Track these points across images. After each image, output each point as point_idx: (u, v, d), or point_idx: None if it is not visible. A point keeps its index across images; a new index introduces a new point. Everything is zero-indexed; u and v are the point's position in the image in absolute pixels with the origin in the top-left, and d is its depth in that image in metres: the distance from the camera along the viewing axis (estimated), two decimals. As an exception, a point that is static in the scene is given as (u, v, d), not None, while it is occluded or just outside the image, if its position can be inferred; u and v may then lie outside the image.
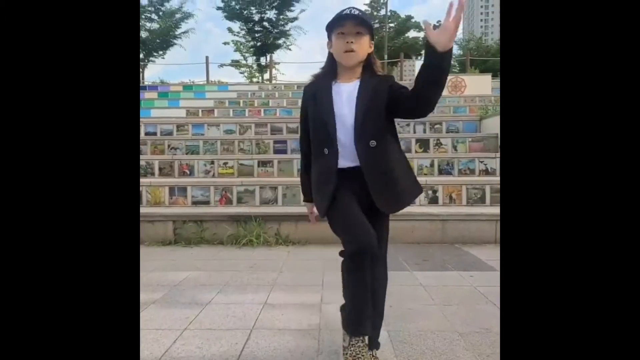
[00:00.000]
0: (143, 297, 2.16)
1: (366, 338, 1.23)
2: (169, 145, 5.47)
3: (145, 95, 9.24)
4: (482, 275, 2.51)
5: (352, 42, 1.25)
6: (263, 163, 4.74)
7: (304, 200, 1.55)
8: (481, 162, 4.51)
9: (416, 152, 5.14)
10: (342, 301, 1.29)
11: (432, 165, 4.54)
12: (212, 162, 4.78)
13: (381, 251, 1.33)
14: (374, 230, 1.22)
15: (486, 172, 4.49)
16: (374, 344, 1.39)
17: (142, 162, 4.81)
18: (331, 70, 1.36)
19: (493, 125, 5.30)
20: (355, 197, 1.28)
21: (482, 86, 8.22)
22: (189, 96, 9.29)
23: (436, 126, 5.76)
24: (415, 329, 1.71)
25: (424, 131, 5.73)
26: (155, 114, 7.97)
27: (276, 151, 5.32)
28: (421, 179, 4.06)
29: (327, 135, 1.29)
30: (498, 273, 2.44)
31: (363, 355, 1.18)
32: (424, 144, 5.15)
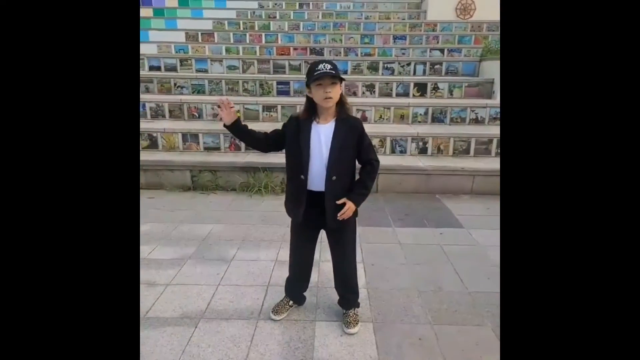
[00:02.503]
0: (180, 250, 2.78)
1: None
2: (175, 84, 5.67)
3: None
4: (450, 232, 3.09)
5: (329, 91, 1.63)
6: (267, 108, 5.02)
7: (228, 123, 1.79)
8: (472, 111, 4.78)
9: (414, 96, 5.36)
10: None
11: (426, 113, 4.82)
12: (219, 106, 5.05)
13: (348, 250, 1.90)
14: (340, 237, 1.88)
15: (476, 121, 4.80)
16: (354, 304, 2.01)
17: (152, 104, 5.11)
18: (312, 111, 1.73)
19: (490, 68, 5.39)
20: (315, 230, 1.91)
21: (493, 9, 7.77)
22: (185, 15, 8.89)
23: (436, 66, 5.82)
24: (388, 287, 2.33)
25: (424, 72, 5.82)
26: (153, 38, 7.83)
27: (279, 92, 5.54)
28: (414, 129, 4.45)
29: (302, 166, 1.72)
30: (463, 230, 3.02)
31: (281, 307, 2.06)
32: (421, 88, 5.33)
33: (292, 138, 1.75)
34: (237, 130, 1.82)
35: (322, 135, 1.70)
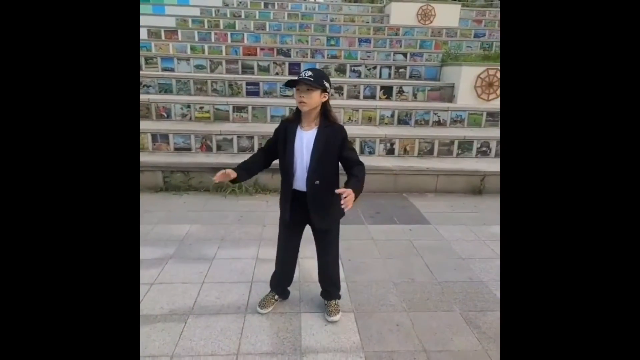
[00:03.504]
0: (160, 250, 2.79)
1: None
2: (141, 82, 5.53)
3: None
4: (418, 228, 3.33)
5: (302, 97, 1.73)
6: (238, 108, 5.05)
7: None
8: (435, 114, 5.10)
9: (380, 98, 5.61)
10: (314, 255, 2.10)
11: (392, 115, 5.08)
12: (189, 106, 5.02)
13: (331, 248, 2.05)
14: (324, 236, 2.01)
15: (438, 123, 5.13)
16: (335, 296, 2.16)
17: (117, 103, 4.96)
18: (297, 116, 1.85)
19: (450, 73, 5.76)
20: (301, 225, 2.01)
21: (451, 16, 8.27)
22: (147, 11, 8.61)
23: (400, 70, 6.12)
24: (365, 280, 2.50)
25: (389, 75, 6.09)
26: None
27: (248, 93, 5.58)
28: (382, 131, 4.68)
29: (288, 169, 1.85)
30: (430, 226, 3.26)
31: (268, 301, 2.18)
32: (387, 91, 5.60)
33: (281, 141, 1.87)
34: (242, 178, 1.86)
35: (304, 140, 1.81)
